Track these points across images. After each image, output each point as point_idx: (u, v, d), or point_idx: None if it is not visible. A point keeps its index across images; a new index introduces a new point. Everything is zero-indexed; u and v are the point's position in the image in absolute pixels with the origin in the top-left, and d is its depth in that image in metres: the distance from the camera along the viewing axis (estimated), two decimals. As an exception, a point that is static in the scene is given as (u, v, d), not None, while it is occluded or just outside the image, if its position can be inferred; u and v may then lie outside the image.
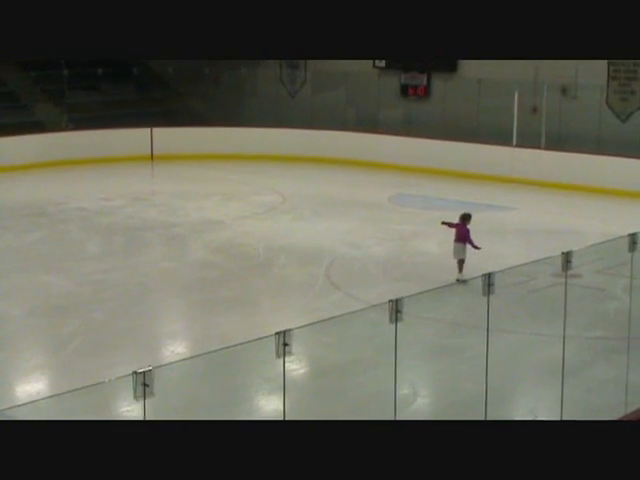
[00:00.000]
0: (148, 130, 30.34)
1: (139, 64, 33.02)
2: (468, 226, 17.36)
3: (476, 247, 17.03)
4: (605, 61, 27.22)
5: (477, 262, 17.91)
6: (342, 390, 12.67)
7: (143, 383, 7.22)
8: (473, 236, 17.19)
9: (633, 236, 11.41)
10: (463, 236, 17.25)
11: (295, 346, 8.34)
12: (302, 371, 13.07)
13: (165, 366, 8.37)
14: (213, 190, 26.12)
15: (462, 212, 17.85)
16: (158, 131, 30.55)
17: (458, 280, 16.59)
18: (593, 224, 21.92)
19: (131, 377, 7.25)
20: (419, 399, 12.58)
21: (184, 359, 11.09)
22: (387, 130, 30.32)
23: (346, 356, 13.53)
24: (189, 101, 33.77)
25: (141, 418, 7.41)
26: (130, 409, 9.63)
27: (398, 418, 9.51)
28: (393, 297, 9.09)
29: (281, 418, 8.81)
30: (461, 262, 17.13)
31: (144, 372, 7.26)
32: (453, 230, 17.39)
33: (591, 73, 27.21)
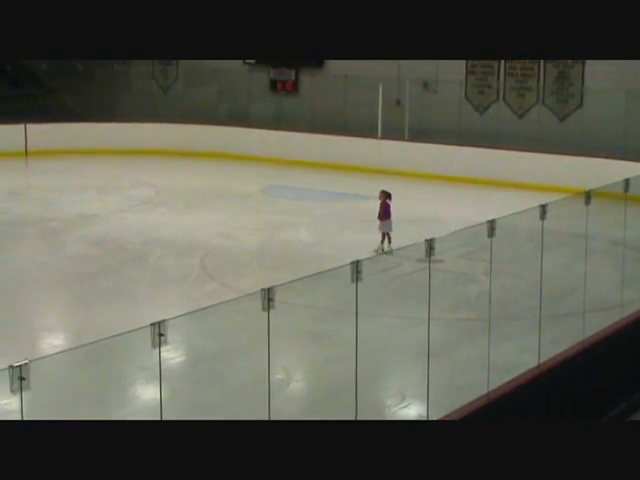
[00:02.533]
0: (22, 126, 29.62)
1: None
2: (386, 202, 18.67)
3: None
4: (463, 57, 27.69)
5: (346, 249, 18.06)
6: (218, 377, 12.63)
7: (20, 377, 7.04)
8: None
9: (491, 222, 11.64)
10: (383, 212, 18.49)
11: (171, 336, 8.26)
12: (179, 360, 12.96)
13: (42, 359, 8.18)
14: (88, 184, 25.67)
15: (381, 190, 18.91)
16: (32, 127, 29.85)
17: (385, 251, 18.03)
18: (454, 211, 22.28)
19: (7, 371, 7.06)
20: (293, 383, 12.61)
21: (61, 352, 10.88)
22: (258, 124, 30.27)
23: (221, 344, 13.48)
24: (63, 97, 33.09)
25: (18, 411, 7.23)
26: (7, 402, 9.39)
27: (272, 401, 9.51)
28: (265, 285, 9.07)
29: (158, 406, 8.72)
30: (388, 235, 18.30)
31: (20, 365, 7.08)
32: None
33: (450, 68, 27.65)
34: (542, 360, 12.47)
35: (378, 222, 18.45)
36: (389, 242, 18.24)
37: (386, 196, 18.71)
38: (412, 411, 11.77)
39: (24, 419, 7.29)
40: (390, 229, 18.32)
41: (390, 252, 17.82)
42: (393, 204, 18.76)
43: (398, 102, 28.44)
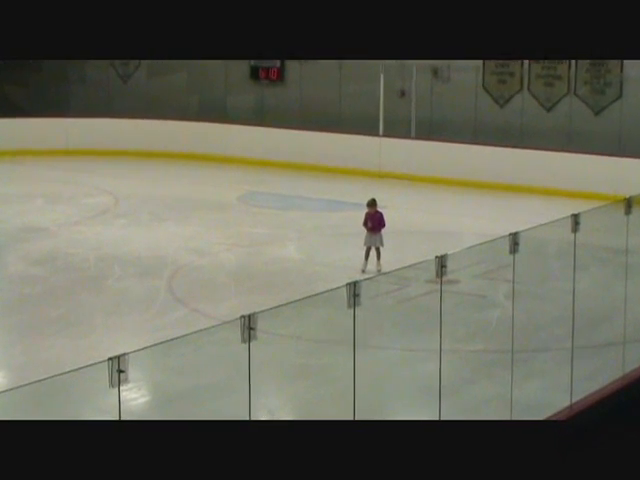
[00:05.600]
0: (-43, 123, 29.71)
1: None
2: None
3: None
4: (480, 39, 27.79)
5: (341, 269, 18.08)
6: (190, 420, 12.60)
7: (-50, 422, 7.03)
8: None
9: (514, 236, 11.65)
10: (379, 222, 18.52)
11: (133, 372, 8.26)
12: (142, 401, 12.95)
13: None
14: (35, 191, 25.68)
15: (368, 199, 18.92)
16: (-31, 124, 29.93)
17: (378, 270, 18.05)
18: (470, 223, 22.32)
19: None
20: (278, 428, 12.60)
21: (0, 392, 10.86)
22: (236, 119, 30.32)
23: (193, 381, 13.48)
24: (6, 89, 33.16)
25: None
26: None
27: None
28: (246, 312, 9.08)
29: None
30: (378, 250, 18.33)
31: (-49, 409, 7.07)
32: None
33: (465, 52, 27.75)
34: (575, 399, 12.48)
35: (370, 235, 18.45)
36: (378, 258, 18.32)
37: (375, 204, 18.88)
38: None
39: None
40: (382, 243, 18.43)
41: (379, 271, 17.91)
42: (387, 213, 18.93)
43: (403, 93, 28.52)
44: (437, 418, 11.07)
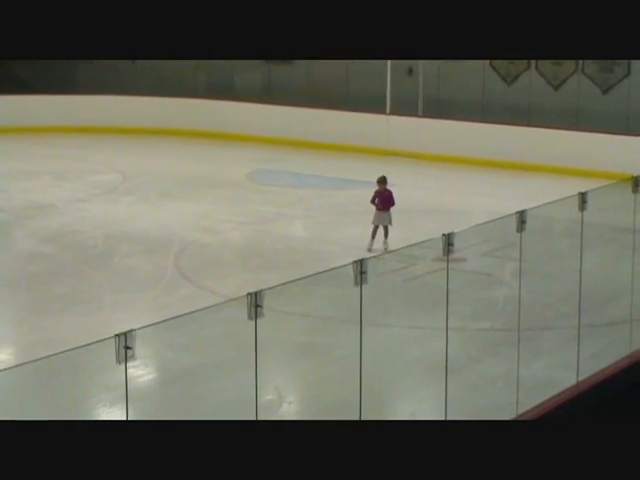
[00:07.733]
0: (-37, 100, 29.67)
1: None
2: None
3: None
4: (488, 17, 27.70)
5: (348, 247, 18.09)
6: (196, 398, 12.64)
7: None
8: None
9: (521, 214, 11.64)
10: (389, 200, 18.60)
11: (140, 349, 8.29)
12: (149, 377, 12.98)
13: (-15, 377, 8.20)
14: (42, 168, 25.68)
15: (378, 176, 18.98)
16: (-25, 101, 29.89)
17: (385, 248, 18.04)
18: (478, 201, 22.29)
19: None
20: (285, 405, 12.63)
21: (8, 368, 10.88)
22: (244, 97, 30.26)
23: (200, 359, 13.49)
24: (12, 66, 33.10)
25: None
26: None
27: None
28: (252, 289, 9.08)
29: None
30: (386, 229, 18.43)
31: (-41, 385, 7.09)
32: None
33: (473, 30, 27.65)
34: (581, 377, 12.48)
35: (379, 213, 18.46)
36: (386, 236, 18.33)
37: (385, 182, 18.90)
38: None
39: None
40: (391, 222, 18.45)
41: (386, 249, 17.91)
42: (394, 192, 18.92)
43: (410, 71, 28.46)
44: (443, 396, 11.09)
